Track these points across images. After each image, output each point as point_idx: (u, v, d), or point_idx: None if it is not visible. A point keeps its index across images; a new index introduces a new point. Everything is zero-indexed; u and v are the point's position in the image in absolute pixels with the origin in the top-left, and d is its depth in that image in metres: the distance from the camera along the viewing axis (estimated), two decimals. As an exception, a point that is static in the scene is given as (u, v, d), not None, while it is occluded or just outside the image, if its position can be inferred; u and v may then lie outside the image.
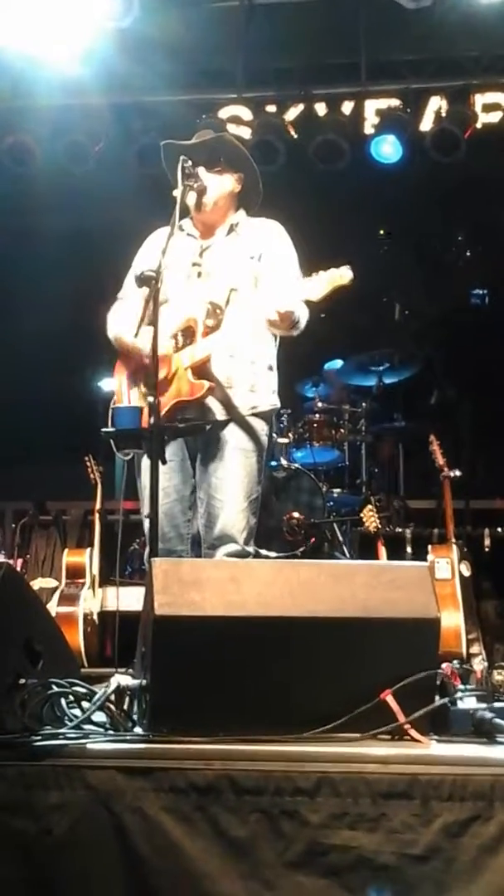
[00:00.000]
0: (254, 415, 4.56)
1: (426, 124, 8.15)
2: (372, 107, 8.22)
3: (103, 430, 4.39)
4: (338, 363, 8.27)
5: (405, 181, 8.58)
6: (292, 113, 8.32)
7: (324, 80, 8.28)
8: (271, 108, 8.31)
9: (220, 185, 4.68)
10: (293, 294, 4.24)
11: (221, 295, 4.47)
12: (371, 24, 7.61)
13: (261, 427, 4.59)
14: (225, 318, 4.42)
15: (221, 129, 5.29)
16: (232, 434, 4.52)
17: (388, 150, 8.08)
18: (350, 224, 9.19)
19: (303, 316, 4.40)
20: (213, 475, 4.51)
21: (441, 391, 7.66)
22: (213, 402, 4.49)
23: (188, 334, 4.46)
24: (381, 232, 9.36)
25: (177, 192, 4.47)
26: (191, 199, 4.59)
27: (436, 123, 8.09)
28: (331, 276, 4.17)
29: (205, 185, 4.60)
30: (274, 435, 5.11)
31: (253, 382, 4.58)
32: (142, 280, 4.22)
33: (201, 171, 4.58)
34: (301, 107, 8.30)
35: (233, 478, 4.49)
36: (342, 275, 4.18)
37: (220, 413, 4.51)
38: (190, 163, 4.50)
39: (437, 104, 8.14)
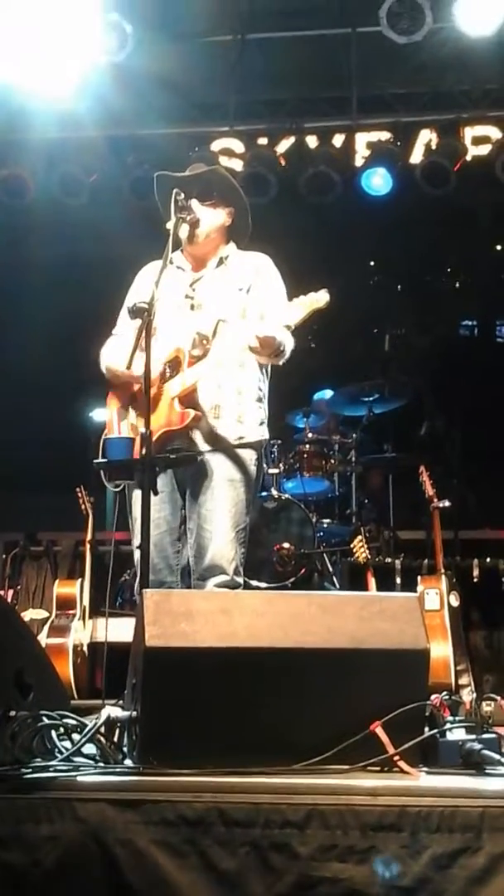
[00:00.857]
0: (241, 445, 4.58)
1: (416, 157, 8.23)
2: (363, 139, 8.30)
3: (95, 461, 4.41)
4: (328, 393, 8.31)
5: (395, 213, 8.65)
6: (283, 145, 8.39)
7: (315, 113, 8.36)
8: (263, 141, 8.39)
9: (213, 218, 4.72)
10: (275, 322, 4.30)
11: (209, 326, 4.52)
12: (362, 58, 7.70)
13: (249, 457, 4.61)
14: (212, 349, 4.45)
15: (214, 163, 5.34)
16: (220, 465, 4.54)
17: (378, 182, 8.15)
18: (340, 255, 9.27)
19: (287, 343, 4.41)
20: (202, 506, 4.52)
21: (431, 422, 7.69)
22: (200, 433, 4.52)
23: (175, 365, 4.49)
24: (371, 263, 9.42)
25: (170, 225, 4.51)
26: (183, 231, 4.61)
27: (426, 156, 8.16)
28: (308, 300, 4.27)
29: (197, 218, 4.64)
30: (264, 465, 5.09)
31: (240, 413, 4.60)
32: (134, 312, 4.25)
33: (194, 203, 4.62)
34: (292, 139, 8.38)
35: (221, 508, 4.50)
36: (318, 298, 4.28)
37: (207, 443, 4.54)
38: (183, 195, 4.54)
39: (427, 137, 8.22)
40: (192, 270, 4.77)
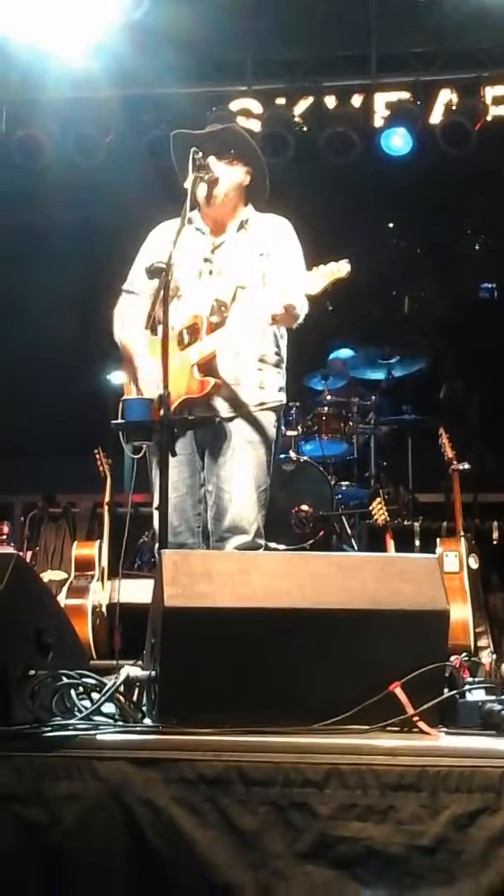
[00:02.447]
0: (261, 410, 4.59)
1: (436, 117, 8.15)
2: (382, 99, 8.22)
3: (113, 422, 4.40)
4: (343, 352, 8.26)
5: (415, 174, 8.57)
6: (302, 105, 8.32)
7: (334, 73, 8.27)
8: (281, 101, 8.31)
9: (231, 176, 4.67)
10: (295, 289, 4.27)
11: (228, 292, 4.51)
12: (381, 17, 7.61)
13: (268, 420, 4.62)
14: (230, 316, 4.46)
15: (231, 122, 5.28)
16: (240, 428, 4.55)
17: (398, 142, 8.08)
18: (360, 217, 9.21)
19: (303, 310, 4.40)
20: (221, 468, 4.53)
21: (450, 384, 7.66)
22: (220, 400, 4.52)
23: (193, 332, 4.49)
24: (391, 225, 9.35)
25: (187, 184, 4.48)
26: (201, 191, 4.57)
27: (446, 116, 8.08)
28: (329, 269, 4.25)
29: (216, 176, 4.59)
30: (282, 428, 5.08)
31: (260, 379, 4.61)
32: (152, 272, 4.23)
33: (212, 161, 4.57)
34: (311, 99, 8.30)
35: (242, 470, 4.51)
36: (339, 269, 4.26)
37: (227, 410, 4.55)
38: (200, 154, 4.50)
39: (447, 97, 8.14)
40: (212, 234, 4.73)
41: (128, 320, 4.67)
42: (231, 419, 4.54)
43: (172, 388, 4.23)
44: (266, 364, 4.63)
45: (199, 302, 4.53)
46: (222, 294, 4.51)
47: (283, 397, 4.70)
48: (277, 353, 4.69)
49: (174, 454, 4.18)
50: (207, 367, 4.45)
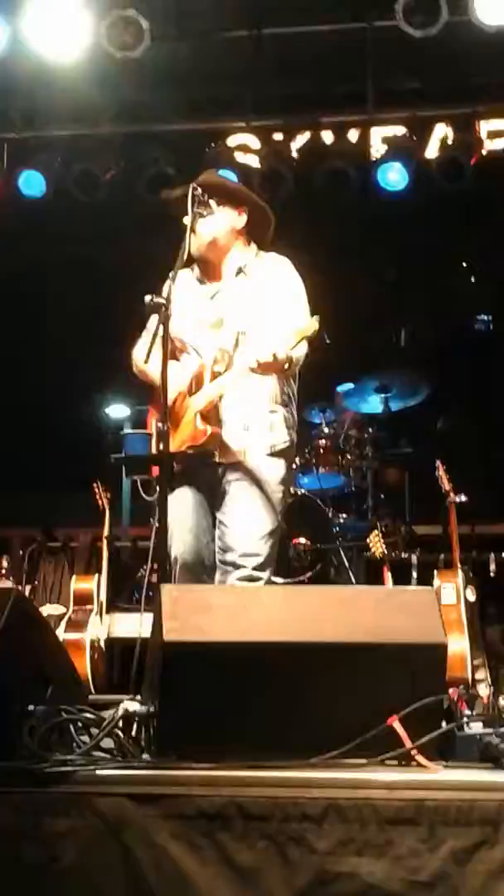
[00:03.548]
0: (273, 454, 4.61)
1: (432, 151, 8.20)
2: (378, 134, 8.28)
3: (113, 455, 4.43)
4: (350, 386, 8.28)
5: (411, 208, 8.62)
6: (299, 140, 8.37)
7: (331, 108, 8.33)
8: (279, 136, 8.37)
9: (216, 221, 4.67)
10: (282, 336, 4.28)
11: (229, 339, 4.55)
12: (378, 52, 7.67)
13: (278, 462, 4.64)
14: (234, 362, 4.49)
15: (217, 166, 5.24)
16: (248, 471, 4.56)
17: (394, 177, 8.12)
18: (356, 250, 9.24)
19: (295, 353, 4.35)
20: (228, 507, 4.57)
21: (447, 416, 7.68)
22: (230, 444, 4.54)
23: (199, 381, 4.55)
24: (387, 258, 9.40)
25: (187, 220, 4.51)
26: (193, 244, 4.54)
27: (441, 150, 8.14)
28: (301, 329, 4.27)
29: (214, 212, 4.63)
30: (295, 463, 5.06)
31: (270, 422, 4.63)
32: (151, 307, 4.26)
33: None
34: (308, 134, 8.36)
35: (244, 508, 4.54)
36: (307, 327, 4.29)
37: (237, 455, 4.56)
38: (199, 190, 4.54)
39: (442, 131, 8.19)
40: (211, 281, 4.77)
41: (137, 356, 4.73)
42: (239, 463, 4.56)
43: (177, 435, 4.37)
44: (276, 405, 4.65)
45: (204, 352, 4.58)
46: (225, 342, 4.55)
47: (293, 437, 4.72)
48: (286, 393, 4.71)
49: (172, 489, 4.20)
50: (211, 414, 4.50)
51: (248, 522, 4.53)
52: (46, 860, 2.82)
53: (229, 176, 4.69)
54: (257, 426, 4.59)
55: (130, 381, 4.99)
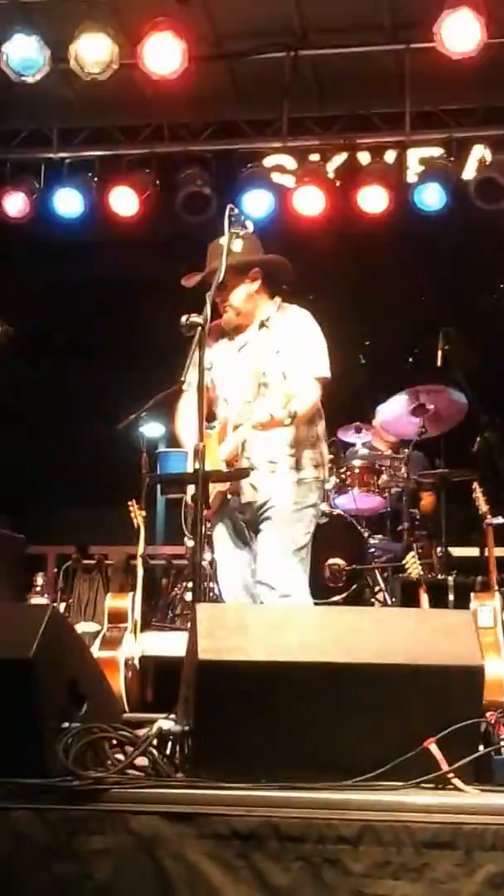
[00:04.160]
0: (297, 485, 4.83)
1: (469, 172, 8.20)
2: (415, 155, 8.29)
3: (149, 474, 4.47)
4: (386, 405, 8.24)
5: (448, 229, 8.62)
6: (335, 161, 8.39)
7: (367, 129, 8.35)
8: (315, 157, 8.39)
9: (234, 298, 4.88)
10: (297, 390, 4.44)
11: (251, 391, 4.76)
12: (415, 73, 7.69)
13: (305, 492, 4.86)
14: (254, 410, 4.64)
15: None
16: (275, 508, 4.80)
17: (431, 198, 8.13)
18: (392, 271, 9.24)
19: (299, 407, 4.46)
20: (260, 533, 4.82)
21: (483, 437, 7.62)
22: (261, 484, 4.79)
23: (223, 433, 4.82)
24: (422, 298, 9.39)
25: (223, 240, 4.55)
26: (225, 320, 4.87)
27: (479, 171, 8.13)
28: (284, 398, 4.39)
29: (251, 233, 4.68)
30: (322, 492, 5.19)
31: (294, 460, 4.84)
32: (187, 327, 4.29)
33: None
34: (344, 155, 8.37)
35: (274, 537, 4.79)
36: (309, 396, 4.63)
37: (266, 494, 4.80)
38: (237, 210, 4.60)
39: (480, 152, 8.19)
40: (237, 335, 4.99)
41: (183, 420, 4.97)
42: (267, 501, 4.80)
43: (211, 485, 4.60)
44: (299, 447, 4.84)
45: (232, 402, 4.85)
46: (248, 394, 4.76)
47: (319, 473, 4.93)
48: (312, 434, 4.91)
49: (209, 507, 4.24)
50: (233, 461, 4.75)
51: (274, 550, 4.77)
52: (81, 877, 2.81)
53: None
54: (282, 467, 4.81)
55: (166, 401, 5.09)
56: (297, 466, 4.84)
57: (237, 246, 4.65)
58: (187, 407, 4.91)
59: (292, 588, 4.75)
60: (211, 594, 6.76)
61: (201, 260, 4.88)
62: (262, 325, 4.94)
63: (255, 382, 4.76)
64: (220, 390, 4.92)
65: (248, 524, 4.90)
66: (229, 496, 4.83)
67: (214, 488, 4.73)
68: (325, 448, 5.05)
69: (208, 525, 4.92)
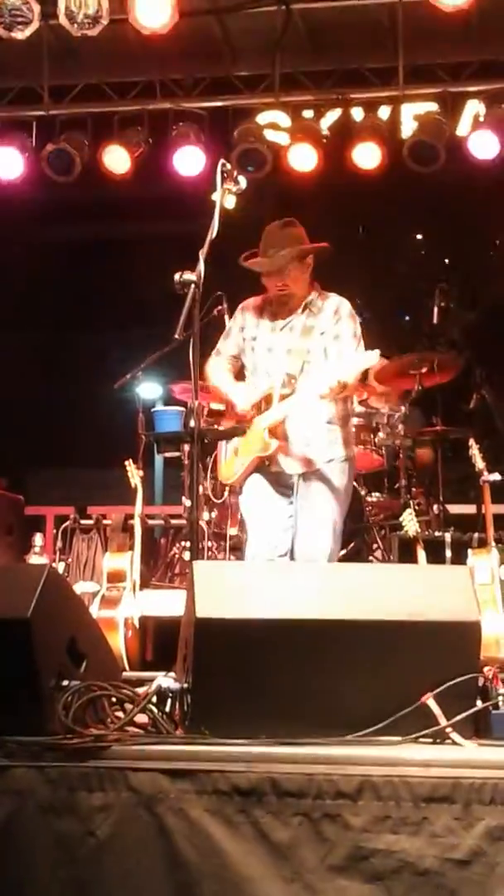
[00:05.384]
0: (329, 464, 5.18)
1: (464, 128, 8.12)
2: (409, 111, 8.20)
3: (145, 432, 4.48)
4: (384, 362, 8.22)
5: (443, 186, 8.56)
6: (329, 117, 8.31)
7: (361, 84, 8.27)
8: (308, 113, 8.32)
9: (297, 283, 5.22)
10: (345, 369, 4.88)
11: (296, 367, 5.13)
12: (409, 27, 7.60)
13: (339, 472, 5.22)
14: (298, 387, 5.07)
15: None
16: (313, 482, 5.16)
17: (424, 154, 8.05)
18: (388, 228, 9.20)
19: (354, 380, 4.99)
20: (300, 514, 5.16)
21: (480, 394, 7.61)
22: (295, 458, 5.15)
23: (267, 401, 5.14)
24: (419, 237, 9.35)
25: (216, 196, 4.53)
26: (282, 299, 5.22)
27: (473, 127, 8.06)
28: (362, 359, 4.94)
29: (243, 188, 4.70)
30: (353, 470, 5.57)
31: (330, 438, 5.20)
32: (181, 284, 4.29)
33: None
34: (338, 112, 8.29)
35: (316, 516, 5.13)
36: (370, 359, 4.92)
37: (302, 467, 5.16)
38: (229, 165, 4.59)
39: (474, 108, 8.11)
40: (282, 317, 5.30)
41: (215, 374, 5.45)
42: (305, 475, 5.16)
43: (246, 448, 5.21)
44: (333, 425, 5.21)
45: (273, 375, 5.18)
46: (292, 368, 5.12)
47: (351, 452, 5.32)
48: (344, 412, 5.31)
49: (205, 467, 4.26)
50: (276, 431, 5.09)
51: (319, 528, 5.11)
52: (82, 834, 2.83)
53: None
54: (318, 441, 5.16)
55: (162, 360, 5.23)
56: (336, 442, 5.20)
57: (230, 202, 4.63)
58: (215, 365, 5.41)
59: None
60: (209, 553, 6.79)
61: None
62: (305, 307, 5.25)
63: (300, 360, 5.12)
64: (260, 363, 5.27)
65: (283, 490, 5.22)
66: (267, 463, 5.16)
67: (251, 454, 5.14)
68: (353, 429, 5.49)
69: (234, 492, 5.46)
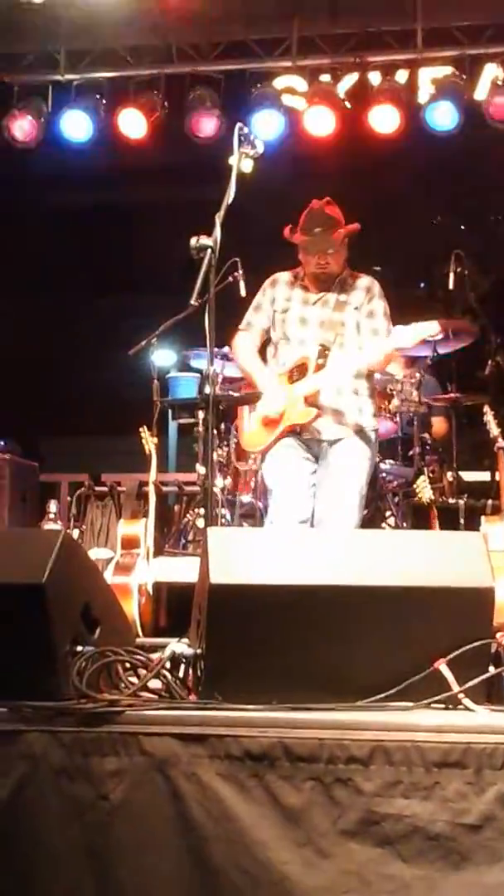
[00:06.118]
0: (359, 433, 5.40)
1: (481, 92, 8.06)
2: (427, 75, 8.14)
3: (160, 399, 4.49)
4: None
5: (460, 151, 8.49)
6: (346, 81, 8.25)
7: (378, 48, 8.20)
8: (325, 77, 8.26)
9: (338, 261, 5.46)
10: (384, 344, 5.24)
11: (330, 338, 5.35)
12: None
13: (366, 441, 5.46)
14: (331, 359, 5.29)
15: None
16: (342, 449, 5.39)
17: (443, 118, 7.99)
18: (403, 194, 9.14)
19: (386, 357, 5.38)
20: (327, 480, 5.36)
21: (495, 361, 7.58)
22: (326, 427, 5.36)
23: (302, 370, 5.33)
24: (435, 202, 9.28)
25: (232, 160, 4.51)
26: (321, 276, 5.44)
27: (491, 91, 7.99)
28: (423, 328, 5.15)
29: (260, 153, 4.68)
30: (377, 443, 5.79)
31: (358, 407, 5.42)
32: (196, 249, 4.28)
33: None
34: (355, 76, 8.23)
35: (343, 483, 5.34)
36: (431, 328, 5.21)
37: (332, 434, 5.38)
38: (246, 129, 4.57)
39: (493, 72, 8.04)
40: (317, 290, 5.51)
41: (241, 353, 5.66)
42: (335, 441, 5.37)
43: (283, 416, 5.33)
44: (361, 396, 5.44)
45: (305, 345, 5.39)
46: (326, 339, 5.34)
47: (376, 423, 5.58)
48: (372, 385, 5.56)
49: (219, 432, 4.27)
50: (311, 399, 5.29)
51: (345, 497, 5.31)
52: (95, 798, 2.85)
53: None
54: (350, 410, 5.38)
55: (177, 327, 5.28)
56: (365, 412, 5.43)
57: (247, 166, 4.62)
58: (244, 341, 5.59)
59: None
60: (223, 520, 6.79)
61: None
62: (339, 283, 5.48)
63: (333, 332, 5.35)
64: (293, 334, 5.45)
65: (312, 458, 5.41)
66: (298, 430, 5.34)
67: (286, 422, 5.30)
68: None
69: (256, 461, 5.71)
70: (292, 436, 5.38)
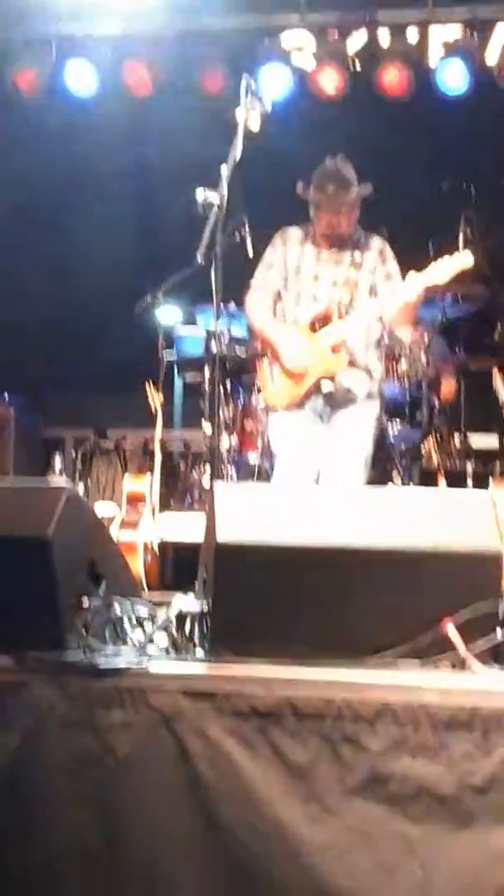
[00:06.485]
0: (369, 396, 5.57)
1: (493, 55, 7.96)
2: (437, 36, 8.03)
3: (167, 356, 4.48)
4: None
5: (470, 114, 8.40)
6: (355, 39, 8.14)
7: (388, 5, 8.09)
8: (334, 35, 8.15)
9: (353, 207, 5.50)
10: (419, 279, 5.26)
11: (346, 297, 5.43)
12: None
13: (374, 405, 5.63)
14: (350, 315, 5.38)
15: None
16: (351, 412, 5.50)
17: (454, 79, 7.90)
18: (413, 157, 9.06)
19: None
20: (336, 440, 5.45)
21: (504, 324, 7.55)
22: (355, 382, 5.48)
23: (326, 319, 5.40)
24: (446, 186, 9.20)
25: (239, 113, 4.46)
26: (334, 222, 5.47)
27: (503, 55, 7.89)
28: (456, 261, 5.17)
29: (267, 110, 4.65)
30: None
31: (371, 368, 5.57)
32: (204, 206, 4.25)
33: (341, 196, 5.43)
34: (364, 34, 8.12)
35: (357, 443, 5.49)
36: (464, 260, 5.19)
37: (361, 391, 5.51)
38: (253, 84, 4.52)
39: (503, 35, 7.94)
40: (329, 247, 5.55)
41: (256, 313, 5.65)
42: (346, 402, 5.47)
43: (310, 368, 5.37)
44: (376, 356, 5.61)
45: (320, 300, 5.46)
46: (343, 298, 5.42)
47: (383, 386, 5.86)
48: (379, 352, 5.70)
49: (226, 389, 4.27)
50: (339, 349, 5.36)
51: (350, 454, 5.44)
52: (102, 750, 2.84)
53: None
54: (375, 372, 5.56)
55: (183, 283, 5.31)
56: (371, 373, 5.55)
57: (254, 120, 4.56)
58: (257, 302, 5.60)
59: None
60: (229, 479, 6.77)
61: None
62: (352, 242, 5.54)
63: (349, 291, 5.41)
64: (306, 290, 5.49)
65: (322, 417, 5.49)
66: (322, 383, 5.39)
67: (315, 374, 5.35)
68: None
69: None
70: (314, 390, 5.40)
